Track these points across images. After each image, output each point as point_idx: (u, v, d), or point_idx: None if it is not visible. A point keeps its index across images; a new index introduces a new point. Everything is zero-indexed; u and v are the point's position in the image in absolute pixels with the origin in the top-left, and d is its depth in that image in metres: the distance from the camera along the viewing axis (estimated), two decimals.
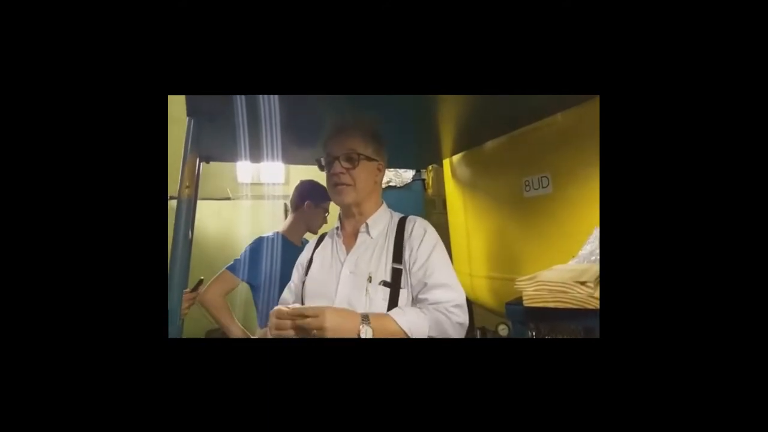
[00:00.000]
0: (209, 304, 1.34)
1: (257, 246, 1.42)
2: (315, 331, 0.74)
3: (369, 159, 0.95)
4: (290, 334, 0.77)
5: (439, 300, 0.84)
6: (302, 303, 0.96)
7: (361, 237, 0.97)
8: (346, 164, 0.93)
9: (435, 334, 0.82)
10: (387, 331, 0.78)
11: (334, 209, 1.55)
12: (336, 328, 0.74)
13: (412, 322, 0.80)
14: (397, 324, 0.79)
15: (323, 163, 0.99)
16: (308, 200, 1.52)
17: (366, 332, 0.76)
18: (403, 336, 0.79)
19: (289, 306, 0.82)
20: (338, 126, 0.98)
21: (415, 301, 0.88)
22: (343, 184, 0.93)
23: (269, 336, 0.83)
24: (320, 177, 1.11)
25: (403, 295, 0.87)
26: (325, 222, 1.59)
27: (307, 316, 0.75)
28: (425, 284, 0.86)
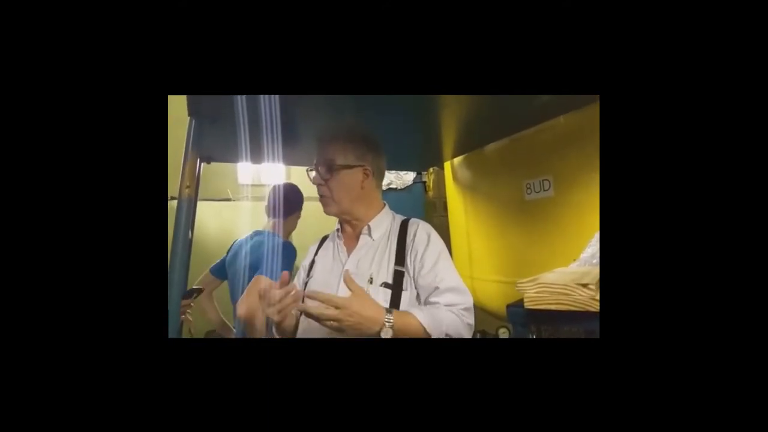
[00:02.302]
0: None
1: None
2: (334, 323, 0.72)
3: (349, 167, 0.92)
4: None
5: (453, 303, 0.85)
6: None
7: (363, 239, 0.96)
8: (324, 174, 0.92)
9: (451, 334, 0.82)
10: (407, 326, 0.77)
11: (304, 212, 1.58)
12: (361, 318, 0.72)
13: (433, 318, 0.80)
14: (417, 319, 0.78)
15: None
16: (299, 210, 1.55)
17: (386, 333, 0.74)
18: (422, 332, 0.78)
19: (318, 293, 0.78)
20: (320, 134, 0.96)
21: (425, 305, 0.87)
22: (322, 195, 0.93)
23: (274, 317, 0.78)
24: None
25: (405, 297, 0.87)
26: None
27: (338, 307, 0.72)
28: (437, 288, 0.85)
